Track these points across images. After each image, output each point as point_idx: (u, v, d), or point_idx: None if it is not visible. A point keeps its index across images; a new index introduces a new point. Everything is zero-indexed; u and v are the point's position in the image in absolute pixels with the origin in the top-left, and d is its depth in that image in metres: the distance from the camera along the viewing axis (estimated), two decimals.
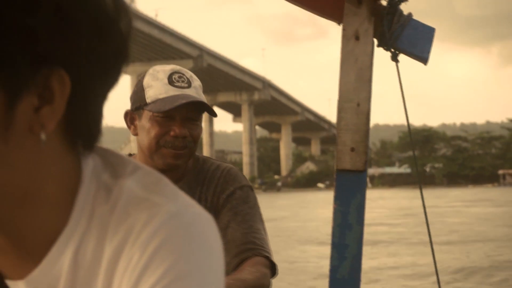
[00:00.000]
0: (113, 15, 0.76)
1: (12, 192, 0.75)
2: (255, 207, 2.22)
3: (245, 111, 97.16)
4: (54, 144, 0.77)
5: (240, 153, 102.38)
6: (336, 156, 2.16)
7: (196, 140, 2.18)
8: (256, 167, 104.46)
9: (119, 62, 0.79)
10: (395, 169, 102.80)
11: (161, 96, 2.12)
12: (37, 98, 0.73)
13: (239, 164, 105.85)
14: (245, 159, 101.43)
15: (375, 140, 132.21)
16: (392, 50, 2.18)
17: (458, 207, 34.63)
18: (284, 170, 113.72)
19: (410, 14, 2.17)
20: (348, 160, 2.14)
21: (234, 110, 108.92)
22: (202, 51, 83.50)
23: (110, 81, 0.79)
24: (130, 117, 2.23)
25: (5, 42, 0.69)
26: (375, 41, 2.19)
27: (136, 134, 2.21)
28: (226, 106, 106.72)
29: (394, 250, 15.65)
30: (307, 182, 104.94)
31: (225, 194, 2.19)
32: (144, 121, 2.16)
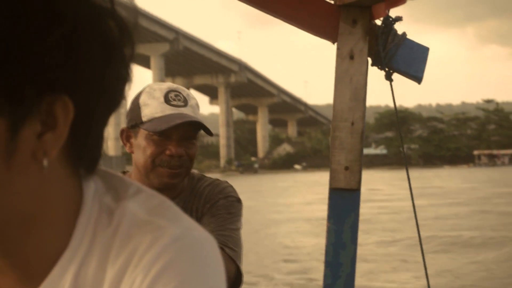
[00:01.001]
0: (118, 41, 0.76)
1: (14, 216, 0.76)
2: (234, 214, 2.20)
3: (222, 93, 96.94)
4: (56, 168, 0.77)
5: (217, 135, 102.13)
6: (330, 175, 2.17)
7: (192, 159, 2.17)
8: (233, 149, 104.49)
9: (122, 86, 0.79)
10: (371, 150, 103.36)
11: (157, 115, 2.10)
12: (40, 125, 0.73)
13: (216, 147, 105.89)
14: (222, 142, 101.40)
15: None
16: (387, 69, 2.19)
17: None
18: (261, 152, 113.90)
19: (404, 34, 2.19)
20: (342, 179, 2.15)
21: (211, 92, 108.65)
22: (178, 34, 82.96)
23: (113, 106, 0.79)
24: (126, 134, 2.21)
25: (12, 68, 0.69)
26: (369, 60, 2.20)
27: (131, 152, 2.20)
28: (202, 89, 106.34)
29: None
30: (284, 164, 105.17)
31: (209, 204, 2.20)
32: (140, 140, 2.15)
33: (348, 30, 2.17)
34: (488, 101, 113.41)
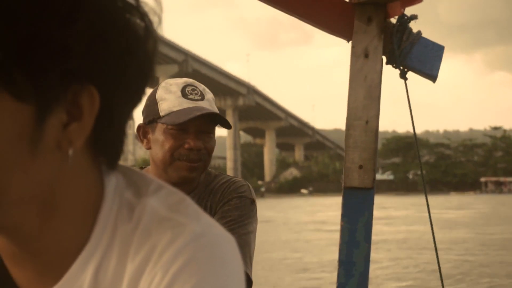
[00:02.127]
0: (142, 35, 0.77)
1: (36, 207, 0.76)
2: (245, 216, 2.17)
3: (230, 116, 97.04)
4: (79, 160, 0.77)
5: (224, 158, 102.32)
6: (344, 173, 2.16)
7: (210, 153, 2.17)
8: (239, 172, 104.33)
9: (144, 81, 0.79)
10: (378, 176, 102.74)
11: (175, 109, 2.11)
12: (66, 114, 0.74)
13: (223, 169, 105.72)
14: (229, 164, 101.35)
15: None
16: (401, 67, 2.18)
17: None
18: (267, 176, 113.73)
19: (419, 32, 2.18)
20: (356, 177, 2.14)
21: None
22: (187, 56, 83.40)
23: (135, 100, 0.80)
24: (142, 130, 2.21)
25: (40, 56, 0.69)
26: (384, 58, 2.19)
27: (149, 148, 2.20)
28: None
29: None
30: (291, 188, 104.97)
31: (222, 202, 2.18)
32: (158, 134, 2.15)
33: (363, 28, 2.17)
34: (496, 128, 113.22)
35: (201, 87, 2.19)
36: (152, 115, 2.16)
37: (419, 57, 2.17)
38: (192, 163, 2.12)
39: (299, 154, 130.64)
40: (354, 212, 2.14)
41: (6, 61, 0.69)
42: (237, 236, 2.12)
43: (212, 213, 2.17)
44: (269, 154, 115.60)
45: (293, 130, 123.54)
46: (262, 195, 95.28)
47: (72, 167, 0.77)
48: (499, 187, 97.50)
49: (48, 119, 0.72)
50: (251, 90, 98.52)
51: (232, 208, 2.16)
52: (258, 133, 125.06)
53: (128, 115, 0.80)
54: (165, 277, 0.75)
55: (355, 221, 2.13)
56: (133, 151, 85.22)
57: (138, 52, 0.76)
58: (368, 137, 2.14)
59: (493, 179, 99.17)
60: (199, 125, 2.13)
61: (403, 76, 2.19)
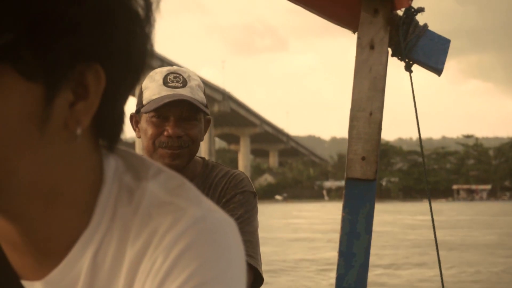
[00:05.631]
0: (144, 17, 0.77)
1: (39, 187, 0.74)
2: (251, 213, 2.19)
3: None
4: (82, 141, 0.76)
5: None
6: (347, 164, 2.15)
7: (194, 140, 2.16)
8: None
9: (143, 63, 0.79)
10: None
11: (154, 97, 2.11)
12: (72, 94, 0.73)
13: None
14: None
15: (333, 153, 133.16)
16: (407, 60, 2.18)
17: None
18: None
19: (425, 25, 2.17)
20: (359, 169, 2.13)
21: None
22: (163, 62, 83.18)
23: (135, 79, 0.79)
24: (134, 120, 2.23)
25: (49, 34, 0.68)
26: (390, 50, 2.19)
27: (139, 137, 2.20)
28: None
29: None
30: (265, 194, 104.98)
31: (225, 198, 2.18)
32: (143, 123, 2.17)
33: (369, 19, 2.16)
34: (468, 136, 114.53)
35: (186, 74, 2.18)
36: (139, 104, 2.18)
37: (425, 50, 2.16)
38: (173, 150, 2.12)
39: (273, 160, 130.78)
40: (355, 203, 2.13)
41: (15, 40, 0.68)
42: (248, 234, 2.13)
43: None
44: (244, 160, 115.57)
45: (268, 137, 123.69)
46: None
47: (76, 149, 0.76)
48: (470, 195, 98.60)
49: (56, 98, 0.71)
50: (226, 97, 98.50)
51: (237, 206, 2.17)
52: (233, 139, 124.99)
53: (128, 96, 0.80)
54: (165, 261, 0.74)
55: (357, 212, 2.12)
56: None
57: (140, 32, 0.76)
58: (372, 129, 2.13)
59: (465, 186, 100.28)
60: (178, 113, 2.12)
61: (408, 68, 2.18)
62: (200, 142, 2.19)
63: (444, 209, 52.63)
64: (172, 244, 0.75)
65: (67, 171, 0.76)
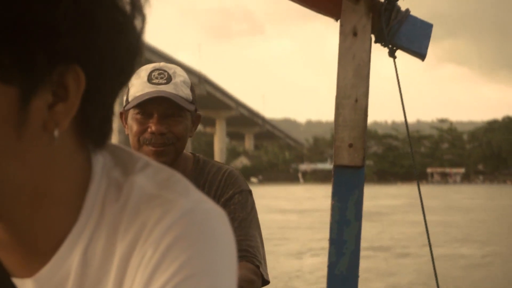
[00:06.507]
0: (129, 12, 0.75)
1: (23, 189, 0.74)
2: (252, 213, 2.19)
3: None
4: (66, 141, 0.76)
5: None
6: (334, 152, 2.16)
7: (179, 137, 2.14)
8: None
9: (132, 59, 0.78)
10: (327, 166, 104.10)
11: (137, 94, 2.10)
12: (52, 95, 0.72)
13: None
14: None
15: (308, 136, 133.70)
16: (390, 46, 2.18)
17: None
18: None
19: (407, 10, 2.18)
20: (346, 156, 2.14)
21: None
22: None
23: (123, 78, 0.78)
24: (124, 116, 2.21)
25: (23, 35, 0.67)
26: (372, 37, 2.19)
27: (127, 134, 2.18)
28: None
29: None
30: None
31: (224, 198, 2.17)
32: (129, 120, 2.16)
33: (351, 7, 2.16)
34: (442, 121, 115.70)
35: (172, 70, 2.16)
36: (126, 101, 2.17)
37: (408, 35, 2.17)
38: (157, 148, 2.11)
39: (249, 143, 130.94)
40: (344, 191, 2.13)
41: None
42: (255, 242, 2.15)
43: None
44: (219, 143, 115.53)
45: (244, 120, 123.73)
46: None
47: (58, 148, 0.75)
48: (444, 178, 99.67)
49: (34, 100, 0.70)
50: (202, 80, 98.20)
51: (238, 208, 2.16)
52: (209, 122, 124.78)
53: (116, 95, 0.79)
54: (155, 253, 0.74)
55: (346, 200, 2.12)
56: None
57: (125, 29, 0.75)
58: (358, 116, 2.14)
59: (439, 170, 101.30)
60: (162, 109, 2.10)
61: (391, 54, 2.19)
62: (186, 139, 2.16)
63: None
64: (161, 236, 0.75)
65: (51, 171, 0.75)
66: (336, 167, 2.14)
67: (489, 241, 16.72)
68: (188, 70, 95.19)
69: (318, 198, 40.75)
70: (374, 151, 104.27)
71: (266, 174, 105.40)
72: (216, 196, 2.17)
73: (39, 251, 0.79)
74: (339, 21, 2.19)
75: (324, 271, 2.12)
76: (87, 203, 0.79)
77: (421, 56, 2.19)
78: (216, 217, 0.78)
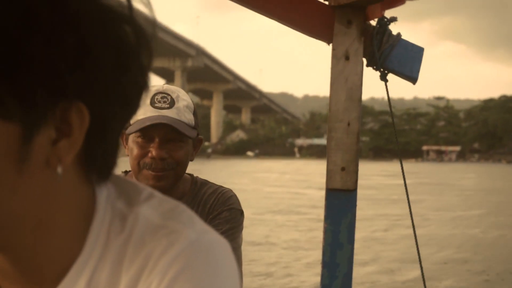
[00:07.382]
0: (135, 48, 0.75)
1: (26, 222, 0.75)
2: (236, 229, 2.18)
3: (178, 77, 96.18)
4: (69, 174, 0.76)
5: None
6: (327, 175, 2.17)
7: (179, 162, 2.12)
8: None
9: (138, 94, 0.78)
10: (323, 141, 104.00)
11: (139, 118, 2.08)
12: (55, 131, 0.72)
13: None
14: None
15: (305, 111, 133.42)
16: (382, 69, 2.20)
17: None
18: (214, 138, 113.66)
19: (399, 34, 2.20)
20: (339, 179, 2.15)
21: (167, 76, 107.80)
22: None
23: (129, 113, 0.78)
24: (125, 138, 2.19)
25: (24, 73, 0.67)
26: (364, 61, 2.21)
27: (127, 155, 2.18)
28: (159, 72, 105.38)
29: None
30: (237, 150, 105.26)
31: (212, 215, 2.17)
32: (130, 142, 2.14)
33: (343, 30, 2.17)
34: (439, 98, 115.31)
35: (175, 94, 2.15)
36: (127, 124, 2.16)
37: (399, 59, 2.19)
38: (157, 172, 2.10)
39: (246, 117, 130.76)
40: (337, 214, 2.15)
41: None
42: (232, 250, 2.13)
43: None
44: (216, 116, 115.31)
45: (241, 93, 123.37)
46: (208, 156, 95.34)
47: (62, 182, 0.75)
48: (440, 156, 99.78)
49: (36, 137, 0.71)
50: (200, 52, 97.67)
51: (223, 222, 2.15)
52: (206, 95, 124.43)
53: (121, 129, 0.79)
54: (161, 284, 0.75)
55: (338, 223, 2.14)
56: None
57: (130, 66, 0.75)
58: (350, 139, 2.16)
59: (435, 147, 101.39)
60: (163, 134, 2.09)
61: (383, 78, 2.21)
62: (187, 163, 2.15)
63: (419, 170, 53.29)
64: (167, 266, 0.75)
65: (54, 203, 0.76)
66: (329, 190, 2.16)
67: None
68: (186, 42, 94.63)
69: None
70: (370, 127, 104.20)
71: (262, 148, 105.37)
72: (208, 214, 2.18)
73: (43, 281, 0.79)
74: (331, 44, 2.20)
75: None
76: (92, 234, 0.79)
77: (413, 79, 2.21)
78: (220, 247, 0.79)
